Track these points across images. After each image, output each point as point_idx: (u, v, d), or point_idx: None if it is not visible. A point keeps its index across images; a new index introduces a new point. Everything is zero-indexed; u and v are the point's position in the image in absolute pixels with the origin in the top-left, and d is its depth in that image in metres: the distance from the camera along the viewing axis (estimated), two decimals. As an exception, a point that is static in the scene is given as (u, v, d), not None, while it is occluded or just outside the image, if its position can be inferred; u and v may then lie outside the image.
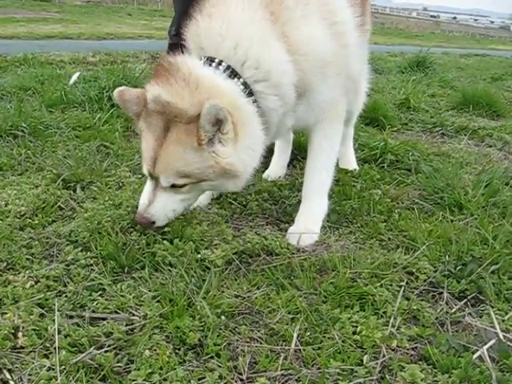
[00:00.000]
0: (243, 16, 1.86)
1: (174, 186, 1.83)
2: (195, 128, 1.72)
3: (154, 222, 1.87)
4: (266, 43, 1.84)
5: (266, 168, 2.76)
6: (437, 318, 1.60)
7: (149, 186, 1.88)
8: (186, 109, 1.72)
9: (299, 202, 2.21)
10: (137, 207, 1.90)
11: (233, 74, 1.83)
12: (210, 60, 1.84)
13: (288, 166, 2.82)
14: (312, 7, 1.94)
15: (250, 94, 1.84)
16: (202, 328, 1.46)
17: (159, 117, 1.77)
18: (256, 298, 1.64)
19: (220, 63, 1.83)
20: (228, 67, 1.82)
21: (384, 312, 1.58)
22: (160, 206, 1.85)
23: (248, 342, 1.45)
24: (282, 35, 1.85)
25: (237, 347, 1.43)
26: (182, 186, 1.83)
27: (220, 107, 1.68)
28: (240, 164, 1.81)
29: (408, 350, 1.46)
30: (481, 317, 1.62)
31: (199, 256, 1.81)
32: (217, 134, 1.76)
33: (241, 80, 1.83)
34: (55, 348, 1.35)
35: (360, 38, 2.25)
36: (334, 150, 2.20)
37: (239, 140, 1.79)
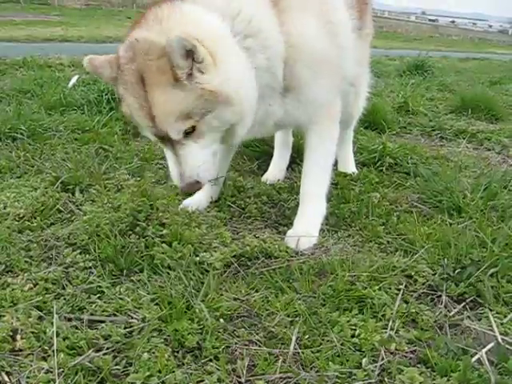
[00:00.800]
0: None
1: (186, 135, 1.70)
2: (167, 63, 1.60)
3: (198, 182, 1.77)
4: (262, 11, 1.82)
5: (265, 171, 2.77)
6: (435, 321, 1.60)
7: (169, 155, 1.78)
8: (154, 39, 1.62)
9: (298, 205, 2.21)
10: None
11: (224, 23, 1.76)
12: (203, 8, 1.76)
13: (287, 169, 2.82)
14: (310, 3, 1.95)
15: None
16: (200, 331, 1.46)
17: (133, 67, 1.66)
18: (255, 300, 1.64)
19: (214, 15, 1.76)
20: (221, 19, 1.75)
21: (383, 315, 1.58)
22: (190, 163, 1.74)
23: (247, 345, 1.45)
24: (278, 19, 1.84)
25: (235, 350, 1.43)
26: (192, 131, 1.70)
27: (183, 37, 1.56)
28: (228, 86, 1.68)
29: (407, 353, 1.46)
30: (479, 320, 1.62)
31: (198, 259, 1.81)
32: (194, 67, 1.63)
33: (231, 34, 1.76)
34: (53, 351, 1.35)
35: (357, 40, 2.25)
36: (329, 152, 2.20)
37: (221, 63, 1.67)
